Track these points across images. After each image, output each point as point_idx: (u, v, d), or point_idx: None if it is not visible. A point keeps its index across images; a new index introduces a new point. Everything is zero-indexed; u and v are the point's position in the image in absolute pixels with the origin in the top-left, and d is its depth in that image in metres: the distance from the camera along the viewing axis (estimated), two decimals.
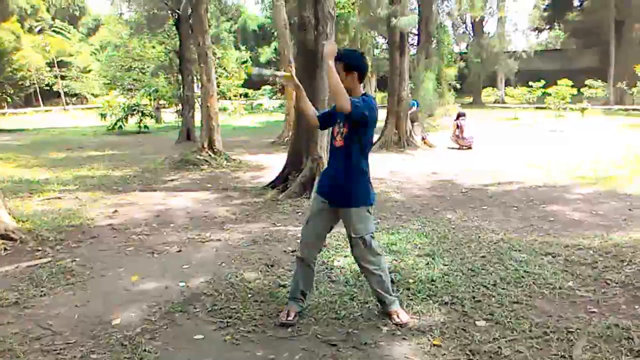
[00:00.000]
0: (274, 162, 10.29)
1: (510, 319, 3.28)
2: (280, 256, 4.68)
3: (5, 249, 4.92)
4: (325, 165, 7.03)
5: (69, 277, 4.23)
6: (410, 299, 3.62)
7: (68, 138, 18.44)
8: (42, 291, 3.92)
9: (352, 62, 3.11)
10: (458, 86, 22.71)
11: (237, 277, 4.15)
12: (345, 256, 4.55)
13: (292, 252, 4.76)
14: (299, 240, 3.43)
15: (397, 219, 6.04)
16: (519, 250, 4.67)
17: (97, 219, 6.23)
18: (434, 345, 2.99)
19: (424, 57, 15.14)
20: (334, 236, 5.18)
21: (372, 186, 3.30)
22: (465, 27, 35.86)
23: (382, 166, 10.00)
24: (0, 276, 4.25)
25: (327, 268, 4.30)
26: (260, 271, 4.29)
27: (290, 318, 3.28)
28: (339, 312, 3.43)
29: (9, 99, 37.22)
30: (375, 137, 13.73)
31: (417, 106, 14.42)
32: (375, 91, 38.31)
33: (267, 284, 3.97)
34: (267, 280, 4.07)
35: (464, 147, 12.67)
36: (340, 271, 4.22)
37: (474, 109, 28.80)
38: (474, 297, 3.64)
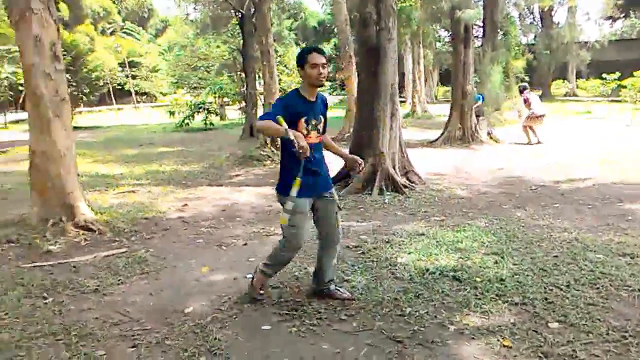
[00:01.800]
0: (334, 158, 10.30)
1: (585, 321, 3.14)
2: (343, 251, 4.68)
3: (85, 239, 5.24)
4: (387, 161, 7.06)
5: (144, 267, 4.45)
6: (478, 298, 3.53)
7: (139, 135, 19.33)
8: (119, 279, 4.15)
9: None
10: (526, 79, 21.78)
11: (301, 270, 4.21)
12: (409, 253, 4.52)
13: (355, 247, 4.78)
14: (294, 237, 3.40)
15: (463, 216, 5.90)
16: (594, 251, 4.44)
17: (168, 212, 6.51)
18: (504, 346, 2.91)
19: (490, 50, 14.62)
20: (397, 233, 5.16)
21: None
22: (533, 18, 34.33)
23: (445, 161, 9.80)
24: (82, 264, 4.54)
25: (390, 264, 4.28)
26: None
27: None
28: (404, 309, 3.41)
29: (84, 98, 39.46)
30: (438, 132, 13.48)
31: (483, 100, 13.98)
32: (437, 85, 37.57)
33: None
34: None
35: (535, 131, 12.02)
36: (405, 268, 4.18)
37: (543, 102, 27.53)
38: (545, 298, 3.50)
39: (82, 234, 5.30)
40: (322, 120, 3.42)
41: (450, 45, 17.40)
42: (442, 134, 13.02)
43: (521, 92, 12.71)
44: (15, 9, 5.14)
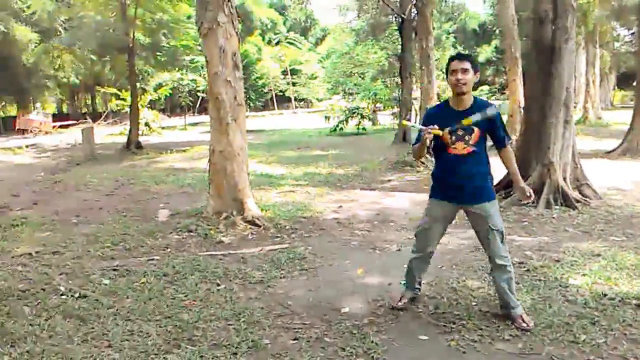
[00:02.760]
0: (494, 166, 9.77)
1: None
2: None
3: (251, 233, 5.68)
4: (558, 172, 6.47)
5: (303, 263, 4.67)
6: None
7: (297, 138, 20.44)
8: (281, 273, 4.40)
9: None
10: None
11: (459, 282, 4.05)
12: (583, 275, 4.08)
13: (520, 263, 4.44)
14: (417, 235, 3.61)
15: None
16: None
17: (324, 213, 6.76)
18: None
19: None
20: (568, 251, 4.70)
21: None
22: None
23: (625, 175, 8.69)
24: (249, 256, 4.91)
25: (560, 285, 3.90)
26: (484, 280, 4.09)
27: (401, 303, 3.59)
28: (577, 335, 3.08)
29: (251, 104, 43.09)
30: (615, 142, 12.06)
31: None
32: (614, 89, 33.62)
33: (493, 295, 3.75)
34: (491, 290, 3.85)
35: None
36: (577, 291, 3.78)
37: None
38: None
39: (249, 228, 5.74)
40: (475, 131, 3.23)
41: (633, 45, 15.45)
42: (622, 143, 11.57)
43: None
44: (204, 22, 5.78)
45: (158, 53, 19.30)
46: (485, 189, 3.37)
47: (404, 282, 3.73)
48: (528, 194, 3.37)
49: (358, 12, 20.08)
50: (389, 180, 9.48)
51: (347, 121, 22.14)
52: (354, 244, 5.33)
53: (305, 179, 9.71)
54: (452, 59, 3.30)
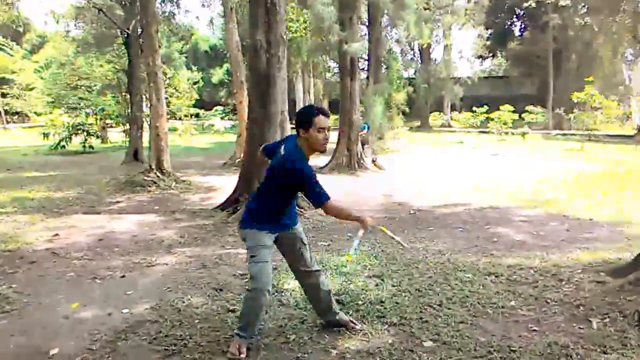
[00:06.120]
0: (225, 184, 10.18)
1: (456, 338, 3.35)
2: (229, 280, 4.60)
3: None
4: None
5: (5, 305, 4.01)
6: (360, 321, 3.63)
7: (7, 158, 17.53)
8: None
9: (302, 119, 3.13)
10: (407, 110, 23.31)
11: (183, 302, 4.05)
12: (295, 279, 4.53)
13: (242, 275, 4.69)
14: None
15: (348, 240, 6.06)
16: (464, 270, 4.78)
17: (35, 243, 5.95)
18: None
19: (373, 82, 15.50)
20: (284, 260, 5.15)
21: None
22: (413, 54, 37.02)
23: (332, 187, 10.01)
24: None
25: (277, 291, 4.26)
26: (209, 296, 4.20)
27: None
28: (288, 336, 3.40)
29: None
30: (327, 159, 13.87)
31: (368, 129, 14.69)
32: None
33: (216, 309, 3.89)
34: (215, 305, 3.99)
35: None
36: (291, 294, 4.20)
37: (421, 132, 29.69)
38: (421, 318, 3.69)
39: None
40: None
41: (339, 77, 18.14)
42: (331, 160, 13.40)
43: None
44: None
45: None
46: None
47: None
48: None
49: (75, 21, 18.45)
50: (117, 202, 8.92)
51: (70, 138, 20.01)
52: (71, 276, 4.82)
53: (13, 205, 8.36)
54: (318, 113, 3.06)
